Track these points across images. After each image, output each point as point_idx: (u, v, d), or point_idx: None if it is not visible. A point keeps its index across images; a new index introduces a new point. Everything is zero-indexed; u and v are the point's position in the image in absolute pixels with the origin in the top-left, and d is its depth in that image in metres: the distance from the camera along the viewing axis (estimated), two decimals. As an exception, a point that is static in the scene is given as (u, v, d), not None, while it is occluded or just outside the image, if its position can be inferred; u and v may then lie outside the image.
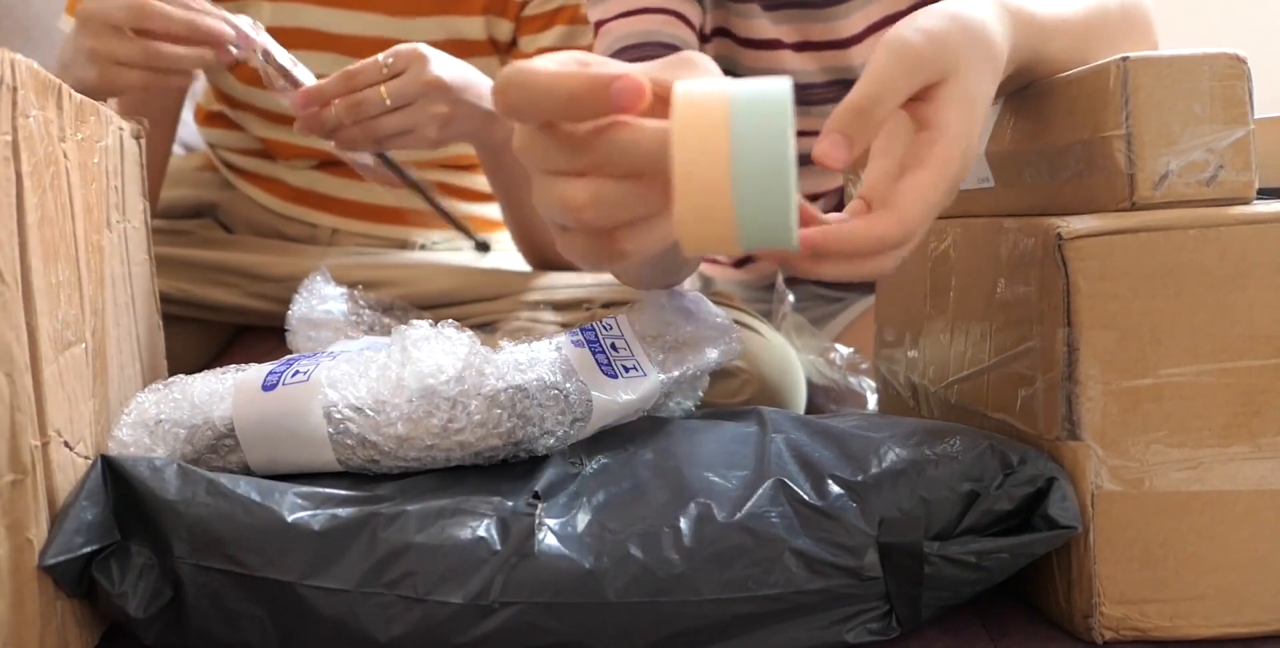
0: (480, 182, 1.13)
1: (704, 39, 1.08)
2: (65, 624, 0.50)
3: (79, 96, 0.55)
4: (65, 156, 0.52)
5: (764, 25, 1.07)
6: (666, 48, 1.01)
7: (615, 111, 0.40)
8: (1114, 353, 0.53)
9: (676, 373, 0.61)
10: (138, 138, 0.66)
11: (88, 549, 0.49)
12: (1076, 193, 0.58)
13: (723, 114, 0.37)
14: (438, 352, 0.55)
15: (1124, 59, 0.55)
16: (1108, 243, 0.53)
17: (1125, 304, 0.53)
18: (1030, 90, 0.63)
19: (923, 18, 0.53)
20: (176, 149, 1.33)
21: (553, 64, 0.43)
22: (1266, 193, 0.57)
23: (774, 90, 0.38)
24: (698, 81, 0.39)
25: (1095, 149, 0.56)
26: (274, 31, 0.97)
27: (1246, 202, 0.55)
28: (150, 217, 0.71)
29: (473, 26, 1.01)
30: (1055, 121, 0.59)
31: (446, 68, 0.85)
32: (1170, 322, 0.53)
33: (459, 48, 0.99)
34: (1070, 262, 0.53)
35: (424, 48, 0.85)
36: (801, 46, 1.07)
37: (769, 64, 1.08)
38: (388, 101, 0.83)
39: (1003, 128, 0.65)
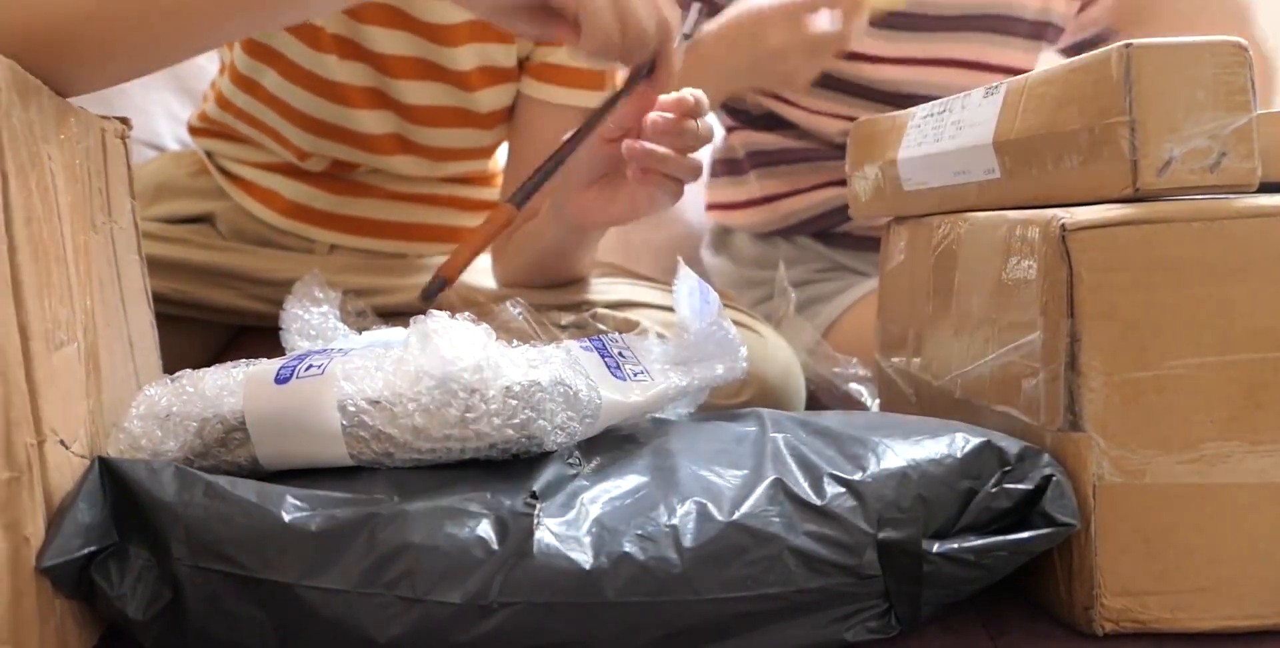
0: (486, 193, 1.11)
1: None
2: (64, 624, 0.50)
3: (57, 98, 0.54)
4: (49, 157, 0.52)
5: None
6: None
7: None
8: (1116, 344, 0.53)
9: (683, 383, 0.62)
10: (121, 138, 0.65)
11: (86, 551, 0.49)
12: (1081, 180, 0.58)
13: None
14: (457, 340, 0.55)
15: (1127, 46, 0.54)
16: (1111, 234, 0.53)
17: (1128, 296, 0.53)
18: (1036, 78, 0.62)
19: None
20: (173, 146, 1.31)
21: None
22: (1270, 187, 0.57)
23: None
24: None
25: (1099, 136, 0.55)
26: None
27: (1250, 188, 0.55)
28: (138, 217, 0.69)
29: (505, 53, 0.98)
30: (1060, 109, 0.59)
31: None
32: (1172, 314, 0.53)
33: (488, 75, 0.97)
34: (1074, 253, 0.53)
35: None
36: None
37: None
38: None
39: (1009, 116, 0.64)
